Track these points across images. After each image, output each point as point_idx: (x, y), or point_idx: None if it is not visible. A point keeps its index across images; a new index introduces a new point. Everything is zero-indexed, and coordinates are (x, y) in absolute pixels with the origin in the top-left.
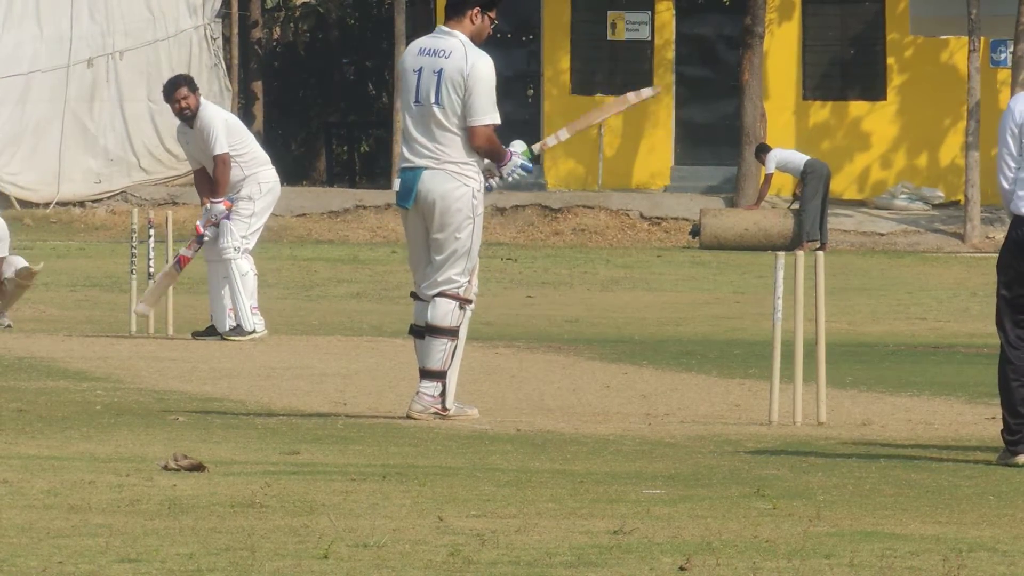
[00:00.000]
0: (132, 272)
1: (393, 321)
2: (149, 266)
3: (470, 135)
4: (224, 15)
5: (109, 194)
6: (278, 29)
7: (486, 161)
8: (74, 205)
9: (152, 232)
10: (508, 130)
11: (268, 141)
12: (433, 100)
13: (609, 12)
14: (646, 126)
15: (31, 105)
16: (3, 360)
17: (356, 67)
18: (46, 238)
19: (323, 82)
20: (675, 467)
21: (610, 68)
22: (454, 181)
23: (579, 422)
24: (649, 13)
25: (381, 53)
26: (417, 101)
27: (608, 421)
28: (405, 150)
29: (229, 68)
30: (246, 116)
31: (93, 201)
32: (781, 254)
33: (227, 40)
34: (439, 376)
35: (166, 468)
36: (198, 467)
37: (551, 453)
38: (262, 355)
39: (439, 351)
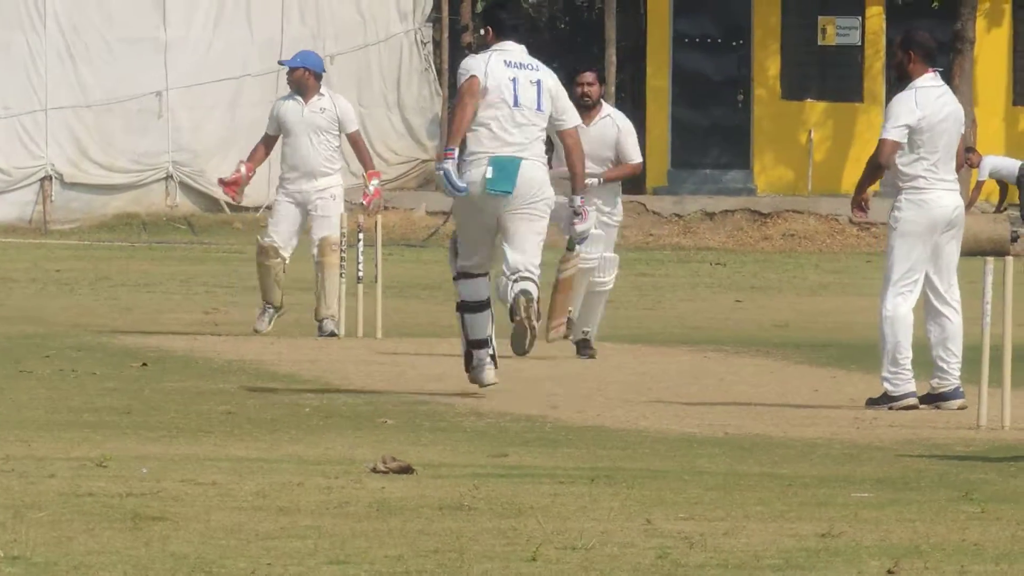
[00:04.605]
0: (342, 276)
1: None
2: (358, 270)
3: (565, 136)
4: (435, 19)
5: None
6: None
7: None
8: None
9: (361, 236)
10: (715, 136)
11: None
12: (536, 107)
13: (820, 16)
14: (861, 132)
15: (242, 109)
16: (213, 363)
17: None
18: (256, 241)
19: None
20: (883, 471)
21: (820, 73)
22: (543, 171)
23: (788, 425)
24: (860, 18)
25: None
26: (516, 104)
27: (816, 424)
28: (496, 143)
29: (439, 73)
30: None
31: None
32: (990, 260)
33: (437, 44)
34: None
35: (374, 470)
36: (407, 469)
37: (759, 456)
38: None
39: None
